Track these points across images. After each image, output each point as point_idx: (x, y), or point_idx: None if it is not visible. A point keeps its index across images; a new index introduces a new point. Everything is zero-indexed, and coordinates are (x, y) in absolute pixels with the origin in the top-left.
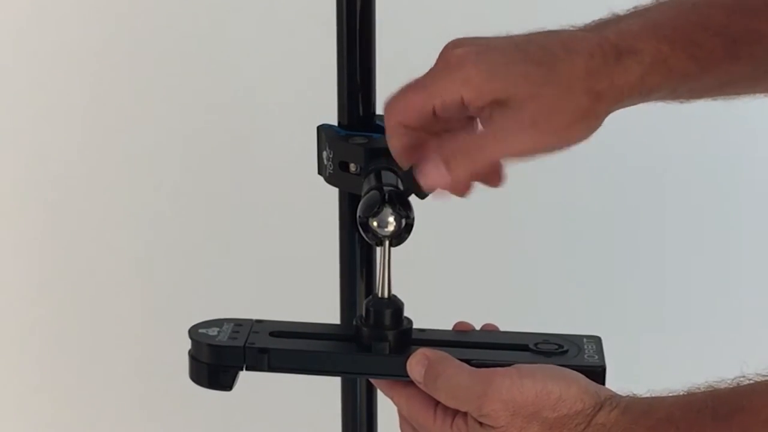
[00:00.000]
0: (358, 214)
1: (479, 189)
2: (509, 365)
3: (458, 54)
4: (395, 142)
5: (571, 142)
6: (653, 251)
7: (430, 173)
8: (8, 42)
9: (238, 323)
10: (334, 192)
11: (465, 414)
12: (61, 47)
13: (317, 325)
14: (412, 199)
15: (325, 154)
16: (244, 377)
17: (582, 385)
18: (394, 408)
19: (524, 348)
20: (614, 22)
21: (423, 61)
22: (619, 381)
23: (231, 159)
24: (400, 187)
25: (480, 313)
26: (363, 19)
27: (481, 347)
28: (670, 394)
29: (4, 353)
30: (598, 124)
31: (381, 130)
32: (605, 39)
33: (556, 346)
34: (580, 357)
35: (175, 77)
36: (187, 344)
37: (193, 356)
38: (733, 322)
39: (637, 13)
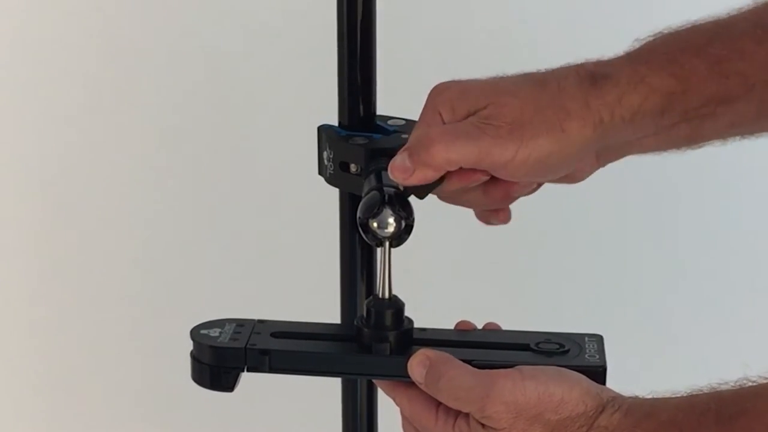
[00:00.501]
0: (358, 215)
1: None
2: (511, 366)
3: (438, 86)
4: None
5: (540, 160)
6: (656, 251)
7: (395, 162)
8: (7, 41)
9: (240, 323)
10: (334, 192)
11: (467, 415)
12: (60, 45)
13: (318, 326)
14: (412, 199)
15: (325, 154)
16: (246, 377)
17: (584, 387)
18: (395, 408)
19: (525, 348)
20: (595, 59)
21: (423, 62)
22: (622, 382)
23: (231, 159)
24: (401, 188)
25: (482, 312)
26: (363, 19)
27: (482, 347)
28: (673, 396)
29: (3, 353)
30: (571, 145)
31: (381, 130)
32: (582, 67)
33: (558, 346)
34: (581, 357)
35: (174, 77)
36: (189, 344)
37: (195, 357)
38: (736, 324)
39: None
